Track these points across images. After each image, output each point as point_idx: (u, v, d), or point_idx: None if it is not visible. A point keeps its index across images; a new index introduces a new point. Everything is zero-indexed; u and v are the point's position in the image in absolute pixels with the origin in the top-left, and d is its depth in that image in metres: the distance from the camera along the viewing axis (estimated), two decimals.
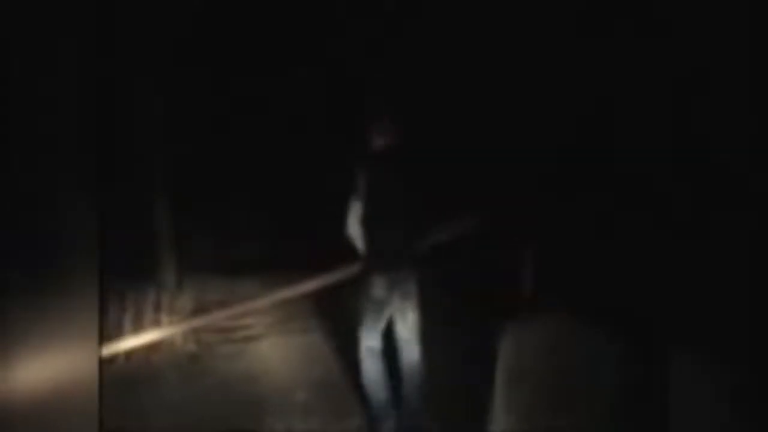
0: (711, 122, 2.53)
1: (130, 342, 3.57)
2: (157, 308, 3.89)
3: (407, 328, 3.00)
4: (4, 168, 1.63)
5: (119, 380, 3.41)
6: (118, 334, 3.61)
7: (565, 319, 2.93)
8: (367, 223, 2.97)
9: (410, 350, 3.04)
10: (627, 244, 2.89)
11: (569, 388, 2.77)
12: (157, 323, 3.76)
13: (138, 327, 3.71)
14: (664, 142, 2.76)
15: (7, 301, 1.64)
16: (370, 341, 3.02)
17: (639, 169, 2.99)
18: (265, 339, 3.83)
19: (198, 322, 3.76)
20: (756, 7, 2.39)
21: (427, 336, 3.10)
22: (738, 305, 2.33)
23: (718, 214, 2.45)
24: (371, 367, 3.03)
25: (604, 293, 2.91)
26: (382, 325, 3.01)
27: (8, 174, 1.64)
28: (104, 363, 3.38)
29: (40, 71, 1.68)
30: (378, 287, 2.93)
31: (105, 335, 3.52)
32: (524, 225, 3.40)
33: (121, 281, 3.84)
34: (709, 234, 2.45)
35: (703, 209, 2.50)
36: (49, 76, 1.70)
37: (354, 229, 2.99)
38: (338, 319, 3.69)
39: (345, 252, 3.18)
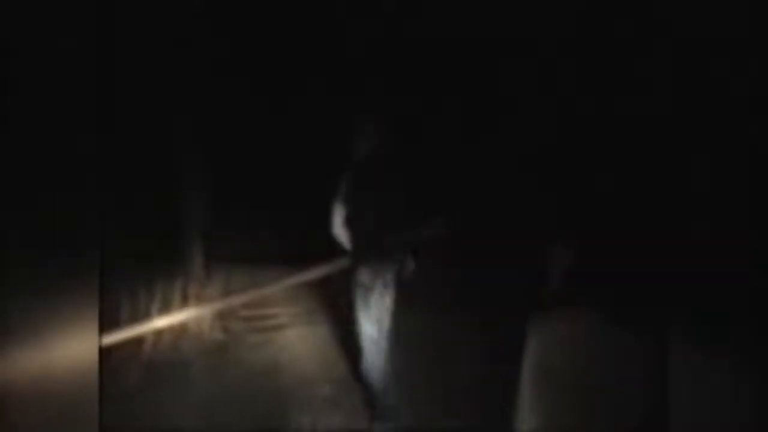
0: (712, 123, 2.54)
1: (156, 328, 3.60)
2: (185, 296, 3.94)
3: (388, 313, 3.12)
4: (4, 167, 1.64)
5: (143, 366, 3.45)
6: (146, 320, 3.64)
7: (566, 317, 2.95)
8: (358, 222, 3.08)
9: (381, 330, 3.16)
10: (631, 241, 2.91)
11: (577, 387, 2.79)
12: (183, 309, 3.79)
13: (165, 313, 3.74)
14: (664, 141, 2.77)
15: (7, 300, 1.65)
16: (368, 327, 3.16)
17: (639, 168, 3.00)
18: (291, 329, 3.87)
19: (219, 305, 3.80)
20: (756, 7, 2.40)
21: (408, 325, 3.17)
22: (740, 300, 2.35)
23: (717, 212, 2.45)
24: (372, 351, 3.21)
25: (605, 291, 2.92)
26: (373, 312, 3.11)
27: (8, 174, 1.65)
28: (128, 350, 3.46)
29: (40, 71, 1.69)
30: (363, 276, 3.07)
31: (130, 322, 3.56)
32: (511, 224, 3.43)
33: (149, 269, 3.90)
34: (709, 229, 2.47)
35: (703, 208, 2.50)
36: (49, 76, 1.71)
37: (339, 229, 3.12)
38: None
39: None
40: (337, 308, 3.90)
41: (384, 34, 3.92)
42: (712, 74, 2.54)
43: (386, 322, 3.12)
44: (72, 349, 1.70)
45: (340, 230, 3.12)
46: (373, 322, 3.14)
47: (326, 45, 4.04)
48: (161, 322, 3.63)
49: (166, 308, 3.82)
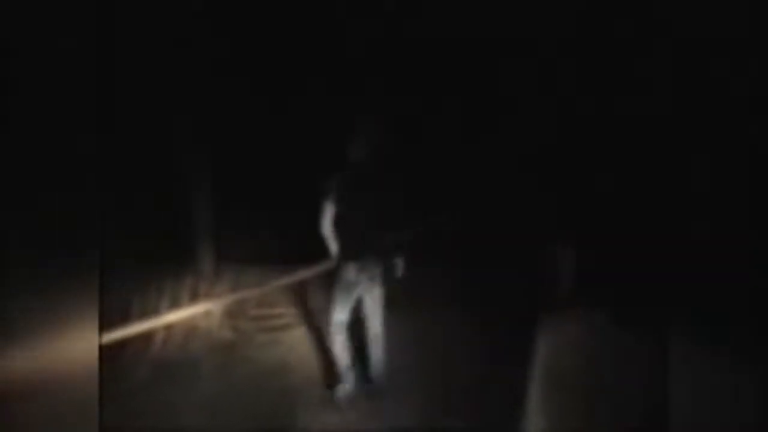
0: (714, 123, 2.54)
1: (159, 327, 3.58)
2: (194, 294, 3.95)
3: (374, 306, 3.17)
4: (4, 167, 1.64)
5: (150, 365, 3.45)
6: (154, 317, 3.64)
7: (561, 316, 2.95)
8: (356, 221, 3.09)
9: (374, 325, 3.22)
10: (632, 241, 2.91)
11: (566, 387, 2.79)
12: (193, 306, 3.80)
13: (168, 312, 3.75)
14: (664, 141, 2.77)
15: (7, 300, 1.65)
16: (340, 315, 3.18)
17: (639, 168, 3.00)
18: (298, 328, 3.88)
19: (224, 302, 3.81)
20: (756, 7, 2.40)
21: (390, 315, 3.22)
22: (740, 300, 2.35)
23: (717, 212, 2.46)
24: (340, 337, 3.22)
25: (606, 292, 2.92)
26: (351, 303, 3.16)
27: (8, 174, 1.65)
28: (134, 349, 3.46)
29: (40, 71, 1.69)
30: (350, 272, 3.10)
31: (132, 321, 3.56)
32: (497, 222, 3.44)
33: (149, 269, 3.91)
34: (709, 229, 2.47)
35: (703, 208, 2.51)
36: (49, 76, 1.71)
37: (327, 230, 3.12)
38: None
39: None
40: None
41: (384, 34, 3.93)
42: (712, 74, 2.54)
43: (386, 322, 3.13)
44: (72, 349, 1.70)
45: (328, 231, 3.11)
46: (372, 323, 3.15)
47: (326, 45, 4.04)
48: (165, 321, 3.63)
49: (170, 307, 3.82)
